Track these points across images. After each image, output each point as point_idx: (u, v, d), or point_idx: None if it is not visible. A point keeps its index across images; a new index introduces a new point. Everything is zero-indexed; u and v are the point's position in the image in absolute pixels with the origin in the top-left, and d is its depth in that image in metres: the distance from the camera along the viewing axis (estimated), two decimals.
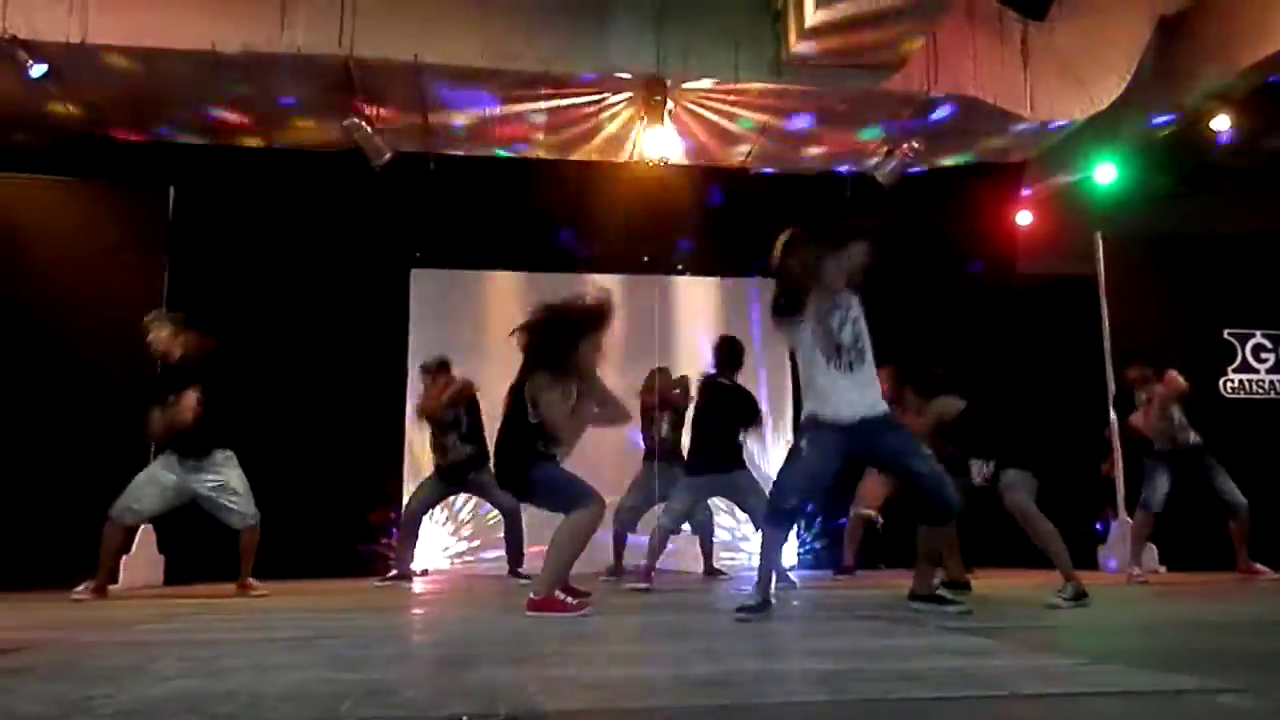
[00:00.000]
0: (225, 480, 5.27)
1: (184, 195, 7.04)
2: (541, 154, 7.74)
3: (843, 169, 8.08)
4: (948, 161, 7.96)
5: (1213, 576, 6.14)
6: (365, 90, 6.68)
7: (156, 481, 5.26)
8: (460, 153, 7.72)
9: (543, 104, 6.95)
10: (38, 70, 6.10)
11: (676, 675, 2.17)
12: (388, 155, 7.12)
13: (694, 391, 6.11)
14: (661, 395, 6.37)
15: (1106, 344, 7.36)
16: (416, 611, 4.50)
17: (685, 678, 2.12)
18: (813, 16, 6.05)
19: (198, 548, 6.05)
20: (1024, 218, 8.50)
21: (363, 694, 1.88)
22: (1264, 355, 7.48)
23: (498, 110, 7.06)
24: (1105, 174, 7.84)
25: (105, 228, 6.76)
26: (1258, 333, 7.50)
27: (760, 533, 4.24)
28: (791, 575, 5.85)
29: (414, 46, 6.31)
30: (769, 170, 8.13)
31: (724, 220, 8.15)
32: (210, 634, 3.40)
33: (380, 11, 6.26)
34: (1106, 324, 7.42)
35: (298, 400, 7.10)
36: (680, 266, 8.45)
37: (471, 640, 3.07)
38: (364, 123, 6.80)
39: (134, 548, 6.36)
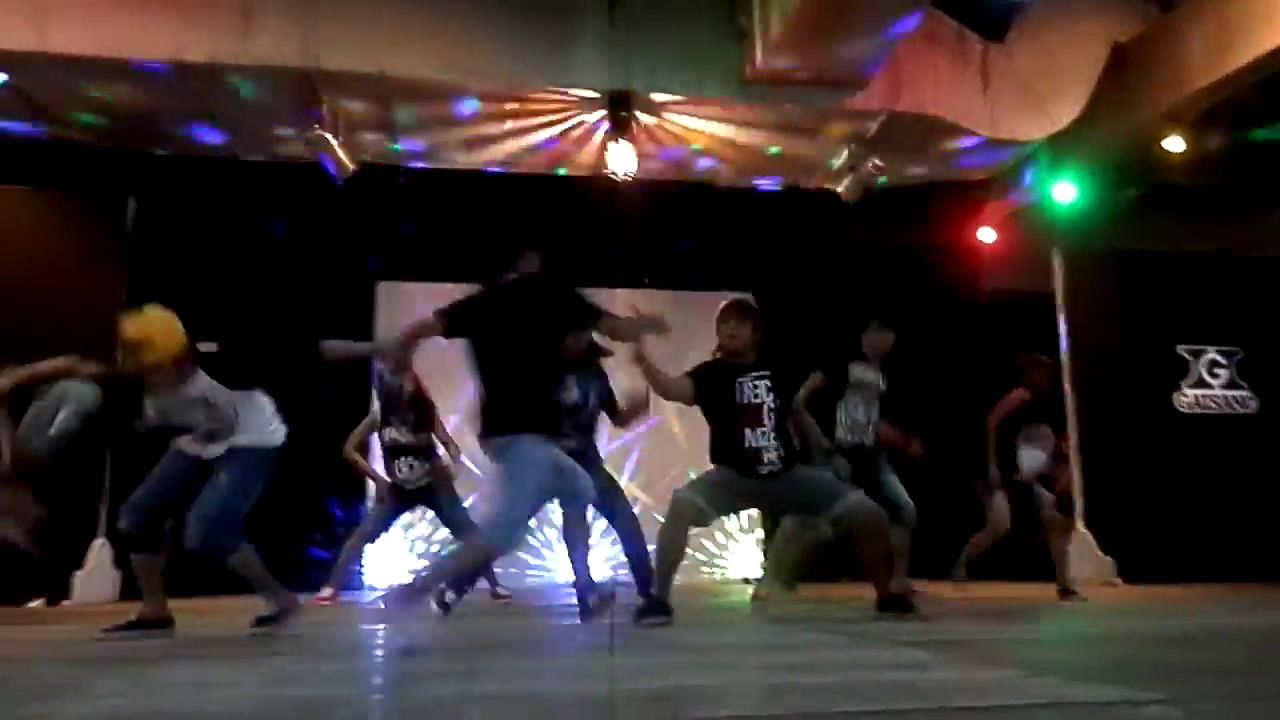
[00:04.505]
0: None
1: (144, 206, 6.98)
2: (506, 168, 7.76)
3: (807, 185, 8.16)
4: (910, 179, 8.06)
5: (1170, 589, 6.22)
6: (329, 103, 6.67)
7: None
8: (425, 166, 7.73)
9: (507, 119, 6.98)
10: None
11: (618, 690, 2.18)
12: (352, 168, 7.11)
13: None
14: None
15: (1064, 358, 7.48)
16: (369, 626, 4.46)
17: (626, 692, 2.12)
18: (775, 35, 6.13)
19: None
20: (986, 234, 8.62)
21: (296, 712, 1.86)
22: (1218, 371, 7.63)
23: (462, 124, 7.08)
24: (1064, 192, 7.97)
25: (62, 239, 6.70)
26: (1211, 349, 7.65)
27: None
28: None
29: (378, 60, 6.31)
30: (733, 186, 8.19)
31: (688, 235, 8.20)
32: (155, 650, 3.35)
33: (344, 24, 6.26)
34: (1064, 339, 7.55)
35: None
36: (646, 280, 8.48)
37: (419, 655, 3.05)
38: (328, 135, 6.79)
39: (89, 563, 6.29)
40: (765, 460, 4.00)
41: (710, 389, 4.09)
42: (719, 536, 8.46)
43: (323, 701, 2.01)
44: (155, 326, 3.56)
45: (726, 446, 4.07)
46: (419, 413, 5.86)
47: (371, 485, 6.66)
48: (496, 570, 6.20)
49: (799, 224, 8.23)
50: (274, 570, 3.73)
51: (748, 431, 4.01)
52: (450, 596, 4.61)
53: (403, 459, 5.83)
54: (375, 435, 6.02)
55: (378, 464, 6.21)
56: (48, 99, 6.53)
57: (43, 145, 6.99)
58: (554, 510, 4.24)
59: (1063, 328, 7.58)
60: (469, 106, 6.86)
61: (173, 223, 7.24)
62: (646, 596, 4.11)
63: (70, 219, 6.77)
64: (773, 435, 4.02)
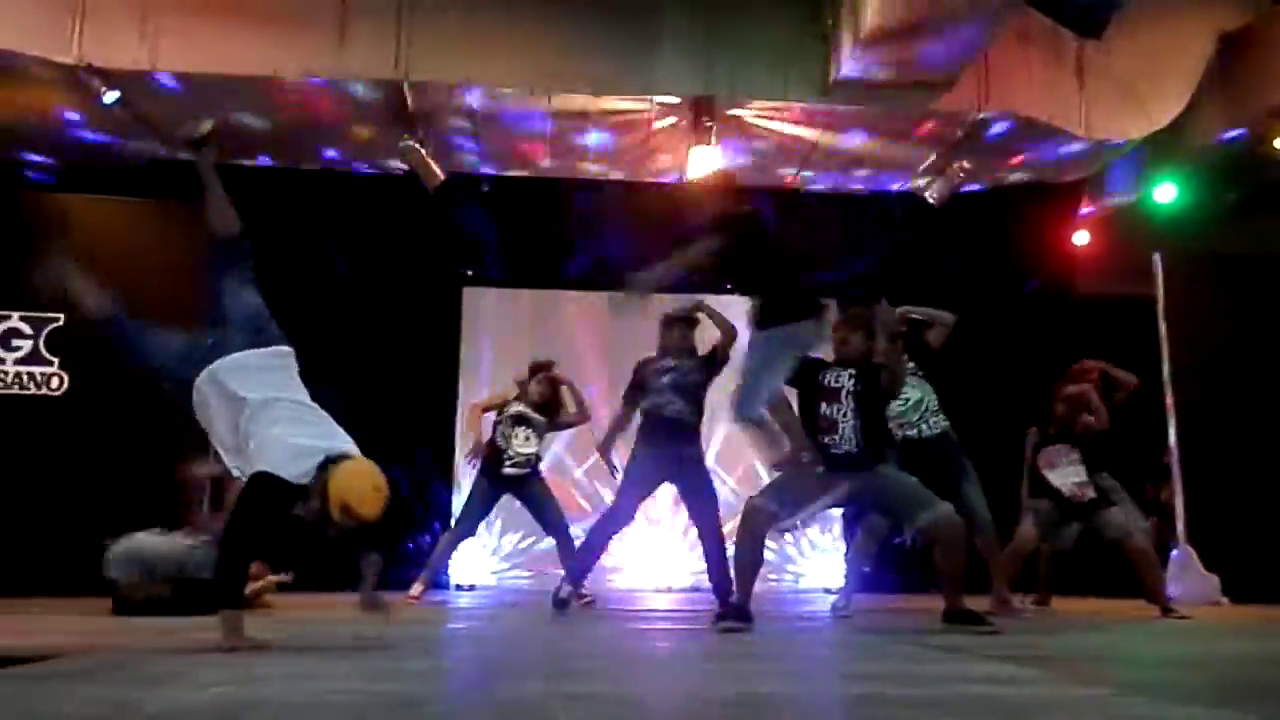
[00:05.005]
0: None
1: (246, 215, 7.25)
2: (591, 175, 7.85)
3: (893, 188, 8.04)
4: (1000, 181, 7.86)
5: (1277, 610, 5.92)
6: (419, 113, 6.85)
7: None
8: (512, 173, 7.87)
9: (592, 126, 7.06)
10: (110, 97, 6.38)
11: (700, 695, 2.19)
12: (441, 177, 7.29)
13: None
14: None
15: (1165, 365, 7.18)
16: (458, 626, 4.56)
17: (708, 698, 2.13)
18: (863, 35, 6.05)
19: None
20: (1081, 237, 8.35)
21: (388, 705, 1.92)
22: None
23: (548, 132, 7.19)
24: (1165, 193, 7.67)
25: (175, 247, 6.97)
26: None
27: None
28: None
29: (466, 70, 6.47)
30: (819, 190, 8.12)
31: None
32: (253, 642, 3.47)
33: (433, 35, 6.44)
34: (1165, 345, 7.25)
35: (350, 415, 7.25)
36: (729, 285, 8.46)
37: (506, 655, 3.11)
38: (418, 145, 6.97)
39: None
40: (841, 434, 3.95)
41: (803, 372, 4.10)
42: (798, 543, 8.39)
43: (415, 698, 2.06)
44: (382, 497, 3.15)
45: (803, 421, 4.06)
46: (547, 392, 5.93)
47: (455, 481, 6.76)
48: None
49: (885, 228, 8.11)
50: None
51: (824, 404, 4.01)
52: (566, 590, 4.75)
53: (522, 428, 5.84)
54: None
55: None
56: (155, 114, 6.86)
57: (155, 159, 7.35)
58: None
59: (1164, 333, 7.28)
60: (553, 113, 6.96)
61: (274, 231, 7.51)
62: (726, 603, 4.11)
63: (184, 228, 7.03)
64: (850, 416, 3.98)
